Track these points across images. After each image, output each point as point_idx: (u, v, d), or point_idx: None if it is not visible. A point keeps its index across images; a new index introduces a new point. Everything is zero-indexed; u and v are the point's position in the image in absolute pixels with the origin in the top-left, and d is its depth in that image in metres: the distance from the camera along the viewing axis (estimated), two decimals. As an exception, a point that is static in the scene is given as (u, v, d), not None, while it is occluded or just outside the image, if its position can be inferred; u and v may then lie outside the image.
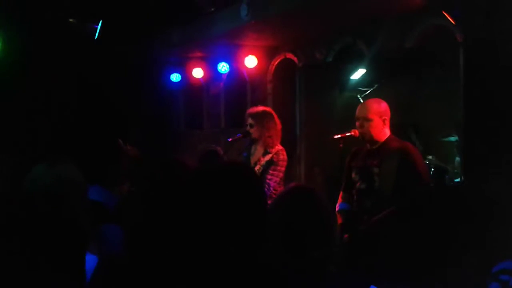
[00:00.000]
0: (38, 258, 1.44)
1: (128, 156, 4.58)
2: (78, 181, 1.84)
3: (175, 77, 7.66)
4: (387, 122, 3.40)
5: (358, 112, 3.43)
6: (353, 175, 3.47)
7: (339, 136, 3.58)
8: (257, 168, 4.06)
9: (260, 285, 1.00)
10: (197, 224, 0.99)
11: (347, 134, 3.52)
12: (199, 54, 7.22)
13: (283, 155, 4.10)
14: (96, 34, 5.40)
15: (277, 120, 4.15)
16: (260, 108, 4.23)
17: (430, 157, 4.92)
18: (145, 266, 0.99)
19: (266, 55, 6.63)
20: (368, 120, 3.36)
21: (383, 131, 3.37)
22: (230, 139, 4.27)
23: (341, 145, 3.57)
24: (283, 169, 4.08)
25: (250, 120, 4.12)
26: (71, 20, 5.44)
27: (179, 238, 0.98)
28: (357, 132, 3.42)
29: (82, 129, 5.96)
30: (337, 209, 3.60)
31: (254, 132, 4.09)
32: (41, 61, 6.23)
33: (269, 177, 3.98)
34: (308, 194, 1.85)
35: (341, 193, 3.65)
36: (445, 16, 4.22)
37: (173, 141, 7.68)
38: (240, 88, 7.18)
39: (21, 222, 1.36)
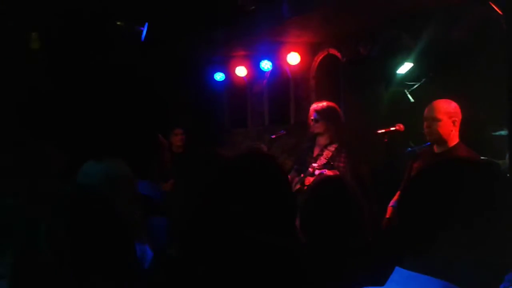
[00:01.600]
0: (91, 253, 1.49)
1: (171, 153, 4.68)
2: (128, 176, 1.89)
3: (219, 76, 7.74)
4: (457, 124, 3.29)
5: (426, 112, 3.34)
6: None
7: (384, 131, 3.53)
8: (321, 158, 4.09)
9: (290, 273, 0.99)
10: (231, 214, 1.00)
11: (392, 128, 3.48)
12: (242, 52, 7.26)
13: (348, 146, 4.14)
14: (143, 36, 5.52)
15: (342, 117, 4.20)
16: (325, 104, 4.27)
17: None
18: (194, 258, 1.01)
19: (309, 51, 6.60)
20: (436, 120, 3.27)
21: (452, 134, 3.26)
22: (273, 136, 4.32)
23: (386, 140, 3.52)
24: (347, 159, 4.13)
25: (315, 116, 4.16)
26: (119, 23, 5.59)
27: (216, 227, 1.00)
28: (402, 126, 3.37)
29: (129, 128, 6.12)
30: (391, 204, 3.55)
31: (319, 126, 4.13)
32: (89, 62, 6.44)
33: (342, 165, 4.02)
34: (336, 184, 1.86)
35: (398, 192, 3.59)
36: (492, 7, 4.08)
37: (217, 139, 7.76)
38: (283, 85, 7.18)
39: (76, 217, 1.39)
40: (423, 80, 5.51)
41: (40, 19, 5.61)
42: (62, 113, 6.36)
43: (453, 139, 3.29)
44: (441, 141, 3.27)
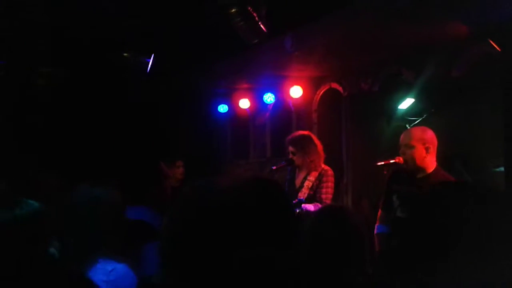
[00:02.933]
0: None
1: (171, 180, 4.70)
2: (114, 203, 1.93)
3: (223, 108, 7.82)
4: (431, 151, 3.33)
5: (401, 138, 3.39)
6: (394, 199, 3.40)
7: (383, 163, 3.54)
8: (303, 191, 4.06)
9: None
10: (227, 240, 0.96)
11: (391, 161, 3.49)
12: (245, 85, 7.35)
13: (331, 171, 4.09)
14: (148, 68, 5.61)
15: (317, 142, 4.15)
16: (298, 133, 4.26)
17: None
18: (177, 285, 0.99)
19: (311, 85, 6.68)
20: (410, 147, 3.31)
21: (427, 159, 3.30)
22: (274, 167, 4.31)
23: (385, 172, 3.53)
24: (332, 184, 4.07)
25: (290, 148, 4.16)
26: (125, 54, 5.69)
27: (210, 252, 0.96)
28: (401, 159, 3.38)
29: (131, 156, 6.16)
30: (375, 231, 3.53)
31: (296, 159, 4.11)
32: (95, 92, 6.55)
33: (323, 196, 3.98)
34: (339, 214, 1.85)
35: (379, 212, 3.59)
36: (491, 44, 4.15)
37: (219, 171, 7.78)
38: (285, 118, 7.23)
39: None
40: (425, 115, 5.55)
41: (45, 52, 5.72)
42: (65, 140, 6.43)
43: (430, 165, 3.32)
44: (416, 167, 3.30)
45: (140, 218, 2.36)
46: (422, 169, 3.31)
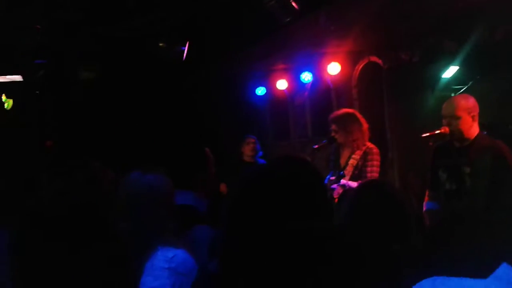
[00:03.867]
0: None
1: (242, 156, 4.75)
2: (166, 188, 1.96)
3: (260, 91, 7.78)
4: (476, 119, 3.23)
5: (444, 110, 3.29)
6: (440, 173, 3.32)
7: (428, 134, 3.45)
8: (348, 169, 4.01)
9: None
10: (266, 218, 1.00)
11: (437, 132, 3.39)
12: (282, 66, 7.28)
13: (376, 149, 4.03)
14: (184, 56, 5.64)
15: (362, 120, 4.08)
16: (341, 111, 4.19)
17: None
18: (234, 272, 1.01)
19: (349, 60, 6.54)
20: (456, 117, 3.21)
21: (472, 128, 3.21)
22: (315, 146, 4.27)
23: (431, 144, 3.43)
24: (378, 163, 4.01)
25: (333, 126, 4.09)
26: (161, 44, 5.73)
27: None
28: (447, 129, 3.28)
29: (176, 143, 6.25)
30: (424, 208, 3.47)
31: (339, 137, 4.05)
32: (136, 82, 6.66)
33: (369, 175, 3.93)
34: (380, 188, 1.83)
35: (427, 192, 3.51)
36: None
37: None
38: (325, 96, 7.14)
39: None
40: (470, 83, 5.37)
41: (84, 47, 5.83)
42: (111, 132, 6.58)
43: (475, 132, 3.22)
44: (463, 137, 3.19)
45: (187, 203, 2.39)
46: (467, 138, 3.22)
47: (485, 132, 4.03)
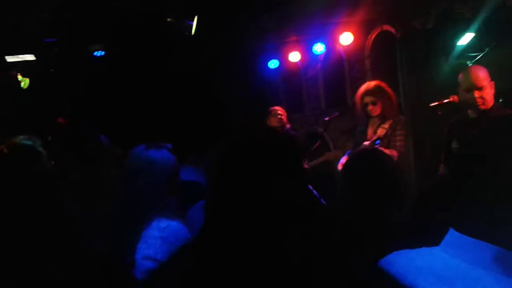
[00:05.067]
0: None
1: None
2: (168, 163, 2.02)
3: (273, 64, 7.72)
4: (493, 87, 3.19)
5: (468, 82, 3.21)
6: (454, 145, 3.28)
7: (437, 103, 3.41)
8: (375, 137, 4.01)
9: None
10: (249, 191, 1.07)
11: (445, 101, 3.34)
12: (294, 37, 7.19)
13: (404, 119, 4.05)
14: (193, 30, 5.60)
15: (391, 92, 4.11)
16: (374, 83, 4.18)
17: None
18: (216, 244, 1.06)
19: (362, 30, 6.43)
20: (480, 88, 3.16)
21: (492, 97, 3.17)
22: (326, 118, 4.27)
23: (439, 112, 3.39)
24: (405, 132, 4.04)
25: (370, 98, 4.08)
26: (169, 19, 5.70)
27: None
28: (456, 98, 3.23)
29: (186, 118, 6.27)
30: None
31: (377, 108, 4.06)
32: (147, 57, 6.66)
33: (398, 144, 3.95)
34: (371, 156, 1.86)
35: (441, 166, 3.49)
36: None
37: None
38: (337, 67, 7.06)
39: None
40: (486, 50, 5.25)
41: (97, 25, 5.83)
42: (123, 108, 6.63)
43: (490, 102, 3.18)
44: (482, 110, 3.15)
45: (193, 179, 2.41)
46: (484, 108, 3.17)
47: (501, 100, 3.96)
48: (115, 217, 2.00)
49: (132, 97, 6.80)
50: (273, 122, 5.37)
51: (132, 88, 6.82)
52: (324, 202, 1.81)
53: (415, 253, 0.97)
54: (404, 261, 0.97)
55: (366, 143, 3.98)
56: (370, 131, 4.14)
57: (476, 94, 3.19)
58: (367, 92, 4.10)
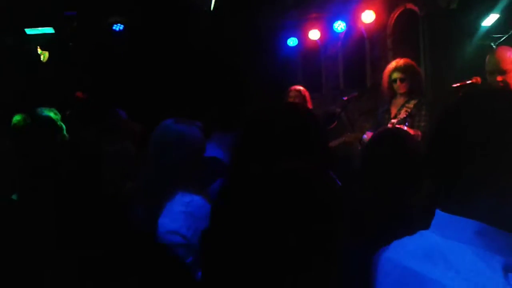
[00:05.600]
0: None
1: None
2: (197, 138, 2.03)
3: (292, 42, 7.63)
4: None
5: (489, 64, 3.14)
6: None
7: (459, 84, 3.33)
8: (399, 116, 3.97)
9: None
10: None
11: (468, 82, 3.27)
12: (314, 15, 7.09)
13: (429, 99, 3.99)
14: (211, 6, 5.54)
15: (419, 71, 4.05)
16: (403, 60, 4.12)
17: None
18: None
19: (385, 8, 6.30)
20: (503, 72, 3.08)
21: None
22: (345, 98, 4.22)
23: (460, 94, 3.32)
24: (429, 113, 3.98)
25: (399, 75, 4.02)
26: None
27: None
28: (479, 79, 3.16)
29: (206, 95, 6.26)
30: None
31: (405, 85, 4.01)
32: (167, 33, 6.64)
33: (423, 124, 3.90)
34: (395, 134, 1.83)
35: None
36: None
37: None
38: (358, 46, 6.95)
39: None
40: (511, 32, 5.13)
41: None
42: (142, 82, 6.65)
43: None
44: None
45: (214, 155, 2.41)
46: None
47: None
48: (141, 191, 1.99)
49: (150, 72, 6.80)
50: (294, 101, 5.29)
51: (151, 64, 6.82)
52: (339, 183, 1.80)
53: (408, 238, 1.02)
54: (399, 246, 1.02)
55: (394, 120, 3.92)
56: (393, 111, 4.09)
57: (499, 78, 3.12)
58: (397, 68, 4.03)
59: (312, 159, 1.13)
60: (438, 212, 0.97)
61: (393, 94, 4.09)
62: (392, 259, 1.01)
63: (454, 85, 3.39)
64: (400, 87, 4.00)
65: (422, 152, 1.79)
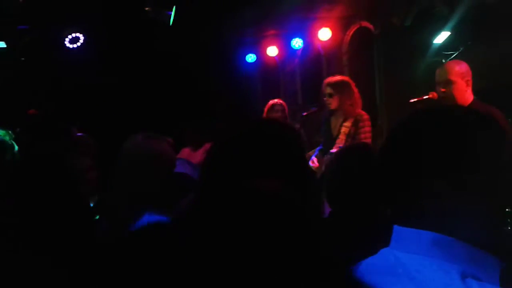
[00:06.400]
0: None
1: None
2: (167, 156, 1.97)
3: (251, 58, 7.68)
4: (470, 84, 3.19)
5: (437, 76, 3.25)
6: None
7: (416, 99, 3.42)
8: (341, 137, 3.99)
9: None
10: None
11: (425, 97, 3.36)
12: (272, 31, 7.17)
13: (366, 115, 4.01)
14: (171, 21, 5.51)
15: (355, 89, 4.06)
16: (338, 77, 4.14)
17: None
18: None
19: (340, 25, 6.44)
20: (450, 82, 3.18)
21: (466, 94, 3.18)
22: (304, 113, 4.24)
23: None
24: (370, 128, 4.00)
25: (328, 90, 4.05)
26: (147, 8, 5.60)
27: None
28: (435, 94, 3.25)
29: (171, 111, 6.18)
30: None
31: (333, 102, 4.01)
32: (122, 49, 6.54)
33: (362, 136, 3.92)
34: (362, 149, 1.82)
35: None
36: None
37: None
38: (315, 63, 7.06)
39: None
40: (461, 49, 5.32)
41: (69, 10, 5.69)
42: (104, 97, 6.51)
43: (468, 98, 3.18)
44: (457, 103, 3.16)
45: (183, 171, 2.37)
46: (462, 104, 3.18)
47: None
48: (108, 205, 1.92)
49: (109, 88, 6.67)
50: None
51: (109, 79, 6.68)
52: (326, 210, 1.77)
53: (374, 257, 1.02)
54: (365, 265, 1.02)
55: (333, 150, 3.92)
56: (334, 131, 4.11)
57: (442, 89, 3.22)
58: (328, 84, 4.07)
59: (291, 180, 1.07)
60: (395, 227, 0.99)
61: (331, 111, 4.11)
62: (361, 279, 1.01)
63: (412, 101, 3.47)
64: (327, 102, 4.02)
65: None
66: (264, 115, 5.20)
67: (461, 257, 0.91)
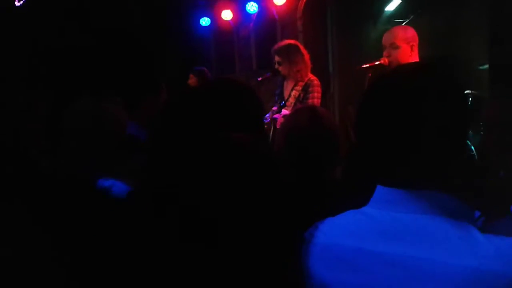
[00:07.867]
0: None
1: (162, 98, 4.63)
2: (120, 117, 1.93)
3: (205, 21, 7.57)
4: (415, 49, 3.29)
5: (384, 40, 3.33)
6: None
7: (368, 65, 3.49)
8: (290, 101, 4.05)
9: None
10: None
11: (376, 62, 3.43)
12: (227, -5, 7.08)
13: (317, 81, 4.06)
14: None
15: (304, 51, 4.07)
16: (284, 42, 4.15)
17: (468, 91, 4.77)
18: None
19: (295, -10, 6.44)
20: (395, 47, 3.27)
21: (411, 58, 3.28)
22: (259, 79, 4.26)
23: (370, 75, 3.47)
24: (319, 94, 4.05)
25: (276, 57, 4.07)
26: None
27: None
28: (386, 60, 3.34)
29: (120, 70, 6.05)
30: None
31: (282, 69, 4.05)
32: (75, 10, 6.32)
33: (309, 102, 3.96)
34: (312, 111, 1.83)
35: None
36: None
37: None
38: (269, 28, 7.05)
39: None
40: (411, 17, 5.44)
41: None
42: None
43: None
44: None
45: (129, 132, 2.36)
46: None
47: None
48: (60, 169, 1.88)
49: (55, 53, 6.43)
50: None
51: (55, 44, 6.45)
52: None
53: (342, 219, 0.98)
54: (334, 228, 0.97)
55: (274, 108, 4.00)
56: (286, 93, 4.17)
57: (385, 53, 3.31)
58: (275, 51, 4.09)
59: (248, 132, 1.08)
60: (380, 188, 0.95)
61: (282, 76, 4.15)
62: (333, 243, 0.95)
63: (363, 66, 3.54)
64: (279, 70, 4.06)
65: (337, 128, 1.84)
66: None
67: (459, 212, 0.87)
